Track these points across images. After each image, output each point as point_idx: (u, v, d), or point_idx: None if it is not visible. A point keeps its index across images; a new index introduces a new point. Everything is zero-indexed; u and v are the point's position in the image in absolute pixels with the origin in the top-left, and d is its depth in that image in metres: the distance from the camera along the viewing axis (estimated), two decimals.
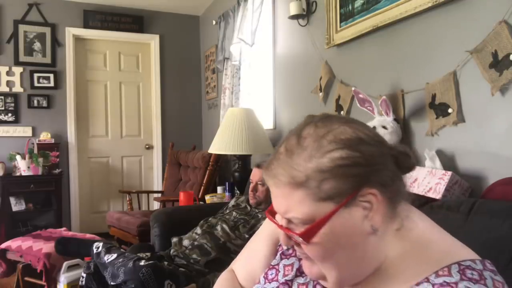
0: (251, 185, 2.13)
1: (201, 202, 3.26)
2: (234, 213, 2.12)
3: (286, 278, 0.71)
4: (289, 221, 0.61)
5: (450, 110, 1.56)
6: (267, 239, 0.81)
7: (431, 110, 1.64)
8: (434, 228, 0.65)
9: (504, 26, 1.34)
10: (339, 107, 2.22)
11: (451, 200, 1.31)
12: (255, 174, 2.13)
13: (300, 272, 0.71)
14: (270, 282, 0.73)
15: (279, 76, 2.95)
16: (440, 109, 1.60)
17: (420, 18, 1.71)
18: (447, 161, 1.58)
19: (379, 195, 0.58)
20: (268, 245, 0.80)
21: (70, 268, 2.39)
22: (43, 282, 2.38)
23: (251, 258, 0.83)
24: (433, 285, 0.55)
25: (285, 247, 0.75)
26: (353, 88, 1.92)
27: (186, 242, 1.99)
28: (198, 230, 2.04)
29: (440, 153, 1.60)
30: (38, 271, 2.39)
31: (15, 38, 3.94)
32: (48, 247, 2.42)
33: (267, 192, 2.04)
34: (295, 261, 0.73)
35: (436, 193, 1.39)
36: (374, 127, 1.73)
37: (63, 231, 2.85)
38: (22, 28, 3.96)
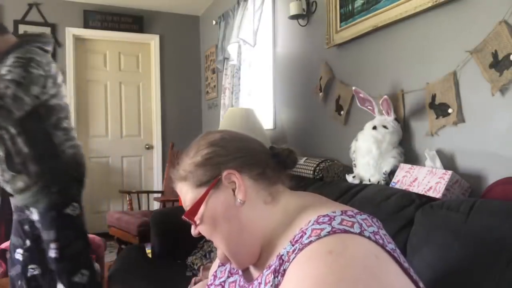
0: None
1: None
2: None
3: (220, 280, 0.83)
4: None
5: (450, 110, 1.56)
6: None
7: (431, 110, 1.64)
8: (315, 200, 0.74)
9: (504, 26, 1.34)
10: (339, 107, 2.22)
11: (451, 199, 1.31)
12: None
13: (231, 273, 0.81)
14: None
15: (279, 76, 2.95)
16: (440, 109, 1.60)
17: (420, 18, 1.71)
18: (447, 161, 1.58)
19: (237, 174, 0.72)
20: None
21: None
22: None
23: (210, 274, 0.93)
24: (295, 240, 0.63)
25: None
26: (353, 88, 1.92)
27: None
28: None
29: (440, 153, 1.60)
30: None
31: None
32: None
33: None
34: (227, 265, 0.83)
35: (436, 192, 1.40)
36: (375, 126, 1.73)
37: None
38: (22, 28, 3.95)
